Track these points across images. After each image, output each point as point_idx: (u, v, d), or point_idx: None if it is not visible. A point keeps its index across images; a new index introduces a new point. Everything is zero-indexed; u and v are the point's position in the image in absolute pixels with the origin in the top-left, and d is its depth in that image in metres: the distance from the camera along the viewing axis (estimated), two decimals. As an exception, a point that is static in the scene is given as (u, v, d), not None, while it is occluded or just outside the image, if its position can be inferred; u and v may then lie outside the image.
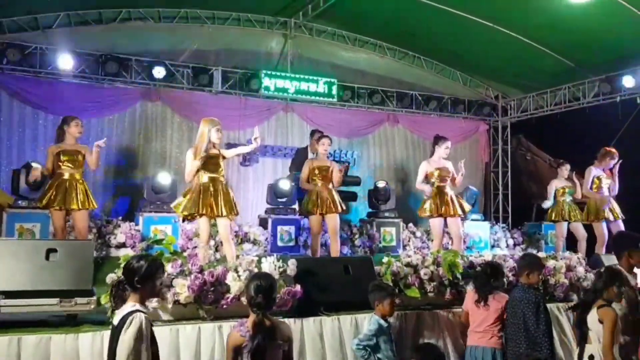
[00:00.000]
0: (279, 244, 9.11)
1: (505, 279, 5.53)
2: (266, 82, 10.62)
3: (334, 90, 11.17)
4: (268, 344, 3.50)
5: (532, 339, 4.53)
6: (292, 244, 9.20)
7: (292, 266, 5.09)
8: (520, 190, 13.40)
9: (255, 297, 3.60)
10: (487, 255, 6.23)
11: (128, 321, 3.17)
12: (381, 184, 10.62)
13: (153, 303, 4.34)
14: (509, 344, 4.73)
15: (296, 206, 9.18)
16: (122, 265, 3.50)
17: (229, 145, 10.37)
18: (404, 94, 12.33)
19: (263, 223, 9.40)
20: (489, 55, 11.43)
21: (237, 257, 5.48)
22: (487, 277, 5.26)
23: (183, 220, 8.08)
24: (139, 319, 3.19)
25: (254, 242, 8.87)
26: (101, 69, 9.66)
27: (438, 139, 7.69)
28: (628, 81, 10.43)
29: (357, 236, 9.81)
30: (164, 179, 8.79)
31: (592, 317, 4.16)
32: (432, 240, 9.59)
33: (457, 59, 12.13)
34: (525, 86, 12.62)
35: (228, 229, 6.12)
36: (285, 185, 9.33)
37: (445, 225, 7.60)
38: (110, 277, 4.41)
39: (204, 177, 6.01)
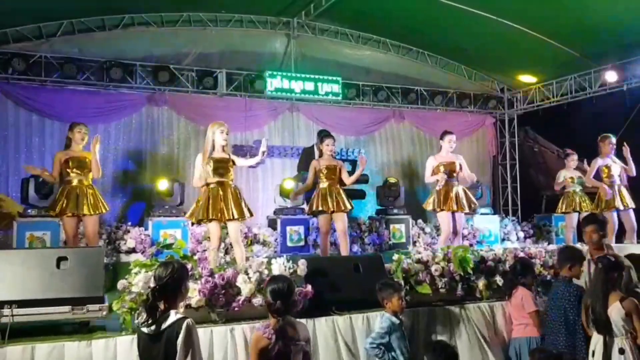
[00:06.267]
0: (289, 244, 9.14)
1: (533, 276, 5.53)
2: (271, 82, 10.61)
3: (339, 89, 11.14)
4: (292, 347, 3.50)
5: (571, 332, 4.56)
6: (301, 244, 9.23)
7: (302, 266, 5.05)
8: (529, 183, 13.35)
9: (274, 302, 3.60)
10: (498, 249, 6.19)
11: (184, 328, 3.28)
12: (390, 181, 10.63)
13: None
14: (548, 337, 4.75)
15: (305, 206, 9.17)
16: (159, 274, 3.47)
17: (236, 148, 10.43)
18: (409, 89, 12.28)
19: (272, 224, 9.43)
20: (493, 48, 11.36)
21: (247, 259, 5.47)
22: (516, 273, 5.28)
23: (192, 224, 8.16)
24: (192, 325, 3.34)
25: (264, 243, 8.89)
26: (106, 75, 9.69)
27: (443, 134, 7.78)
28: (635, 69, 10.35)
29: (366, 234, 9.81)
30: (163, 186, 8.89)
31: (616, 310, 4.11)
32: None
33: (461, 52, 12.07)
34: (531, 78, 12.54)
35: (238, 231, 6.14)
36: (293, 185, 9.33)
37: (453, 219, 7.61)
38: (122, 284, 4.40)
39: (213, 181, 6.01)
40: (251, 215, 6.19)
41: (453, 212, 7.47)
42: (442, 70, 12.70)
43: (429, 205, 7.55)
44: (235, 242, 6.10)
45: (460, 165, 7.64)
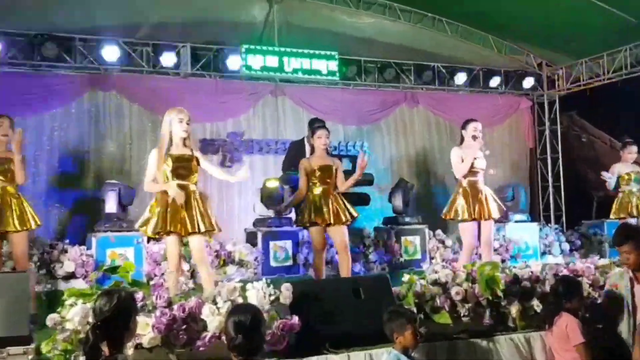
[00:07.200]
0: (273, 264, 9.13)
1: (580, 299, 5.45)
2: (248, 59, 10.52)
3: (335, 66, 11.09)
4: None
5: None
6: (289, 263, 9.22)
7: (286, 292, 5.01)
8: (576, 181, 13.35)
9: (235, 337, 3.54)
10: (536, 266, 6.18)
11: None
12: (400, 182, 10.61)
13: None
14: None
15: (293, 215, 9.09)
16: (100, 307, 3.44)
17: (205, 143, 10.42)
18: (423, 66, 12.27)
19: (251, 238, 9.39)
20: (528, 14, 11.32)
21: (217, 283, 5.40)
22: (559, 296, 5.23)
23: (148, 240, 8.10)
24: None
25: (241, 264, 8.82)
26: (37, 52, 9.61)
27: (465, 123, 7.80)
28: None
29: (371, 249, 9.76)
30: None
31: None
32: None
33: (489, 20, 12.05)
34: (576, 50, 12.52)
35: (203, 248, 6.10)
36: (276, 188, 9.26)
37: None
38: (52, 319, 4.37)
39: (172, 184, 5.95)
40: (219, 230, 6.14)
41: (479, 221, 7.49)
42: (465, 41, 12.65)
43: (455, 214, 7.54)
44: (200, 261, 6.04)
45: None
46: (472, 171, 7.51)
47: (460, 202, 7.49)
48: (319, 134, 7.50)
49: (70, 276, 8.05)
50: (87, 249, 8.33)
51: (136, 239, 8.31)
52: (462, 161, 7.52)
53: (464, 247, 7.66)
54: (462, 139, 7.74)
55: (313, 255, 7.71)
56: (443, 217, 7.83)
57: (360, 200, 10.36)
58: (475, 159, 7.50)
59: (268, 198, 9.59)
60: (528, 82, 13.03)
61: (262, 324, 3.73)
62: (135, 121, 10.48)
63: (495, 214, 7.53)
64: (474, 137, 7.54)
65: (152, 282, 7.29)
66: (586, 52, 12.38)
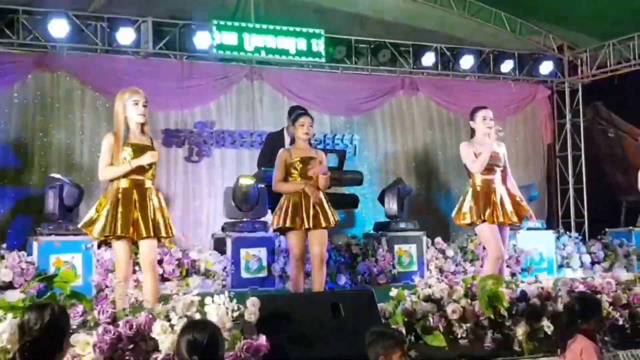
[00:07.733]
0: (244, 275, 9.07)
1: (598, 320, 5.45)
2: (220, 37, 10.56)
3: (321, 46, 11.12)
4: None
5: None
6: (263, 274, 9.16)
7: (252, 308, 5.00)
8: (601, 183, 13.36)
9: (188, 359, 3.53)
10: (546, 280, 6.19)
11: None
12: (395, 182, 10.64)
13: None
14: None
15: (268, 217, 9.07)
16: (29, 324, 3.46)
17: (168, 133, 10.39)
18: (424, 48, 12.31)
19: (219, 245, 9.34)
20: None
21: (168, 297, 5.38)
22: (574, 316, 5.21)
23: (99, 246, 8.05)
24: None
25: (207, 274, 8.79)
26: (-28, 27, 9.65)
27: (474, 111, 7.65)
28: None
29: (359, 259, 9.73)
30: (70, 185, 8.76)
31: None
32: (473, 261, 9.62)
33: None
34: (602, 31, 12.56)
35: (154, 253, 6.11)
36: (251, 186, 9.25)
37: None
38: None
39: (124, 180, 5.94)
40: (172, 235, 6.18)
41: (499, 225, 7.38)
42: (473, 19, 12.62)
43: (464, 217, 7.44)
44: (147, 268, 6.02)
45: (505, 159, 7.62)
46: (486, 168, 7.40)
47: (468, 202, 7.40)
48: (301, 121, 7.45)
49: (8, 286, 7.94)
50: (28, 255, 8.26)
51: (85, 244, 8.25)
52: (476, 157, 7.40)
53: (488, 256, 7.46)
54: (473, 132, 7.62)
55: (291, 265, 7.65)
56: (454, 221, 7.73)
57: (348, 202, 10.38)
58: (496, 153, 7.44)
59: (241, 198, 9.57)
60: (546, 67, 13.09)
61: (221, 344, 3.74)
62: (88, 108, 10.47)
63: (512, 218, 7.37)
64: (489, 127, 7.46)
65: (100, 294, 7.26)
66: (615, 33, 12.40)
